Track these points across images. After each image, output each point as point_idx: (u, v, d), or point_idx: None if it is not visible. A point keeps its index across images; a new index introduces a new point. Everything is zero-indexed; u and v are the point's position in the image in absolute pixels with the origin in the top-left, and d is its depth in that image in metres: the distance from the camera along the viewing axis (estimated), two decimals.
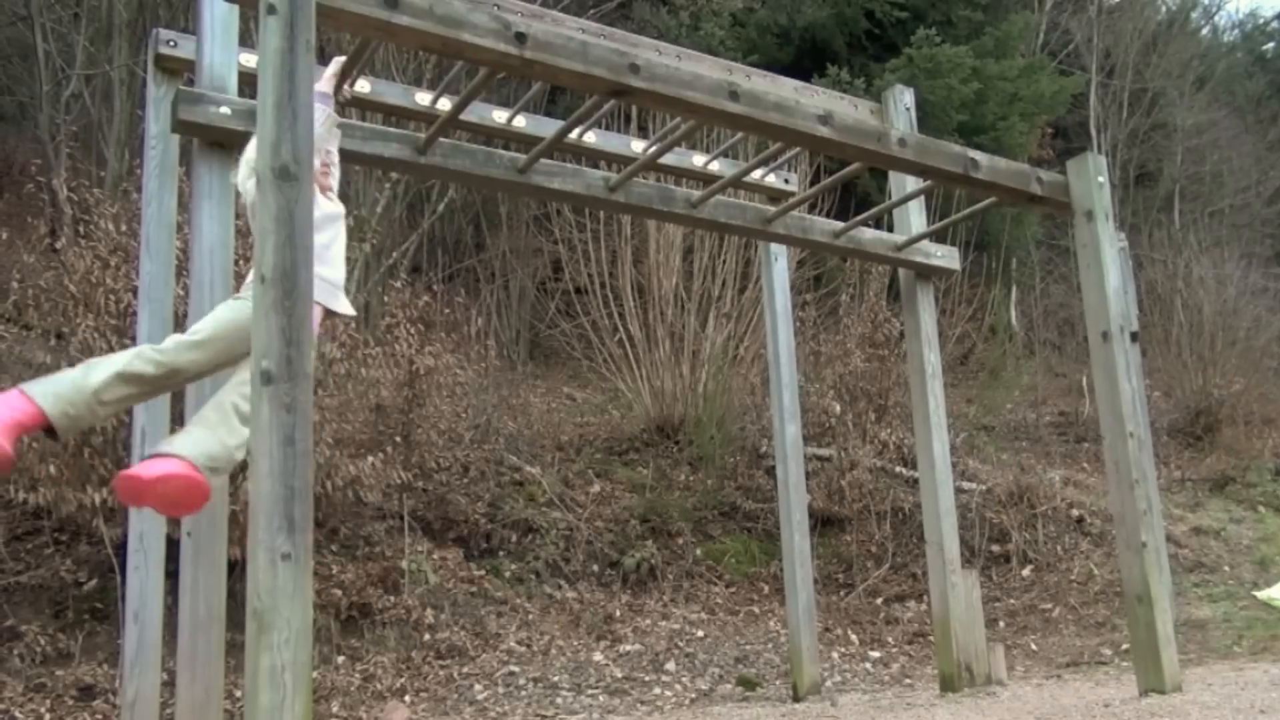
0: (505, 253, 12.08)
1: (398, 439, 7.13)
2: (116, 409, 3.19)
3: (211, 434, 3.03)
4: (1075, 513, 9.03)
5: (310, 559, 2.66)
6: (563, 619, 7.09)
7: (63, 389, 2.95)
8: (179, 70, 4.41)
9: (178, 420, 4.29)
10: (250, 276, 3.19)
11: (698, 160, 5.78)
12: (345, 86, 4.07)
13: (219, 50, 4.14)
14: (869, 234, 5.69)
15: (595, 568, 7.69)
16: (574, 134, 4.86)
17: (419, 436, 7.42)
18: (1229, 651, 6.91)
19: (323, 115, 3.46)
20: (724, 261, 9.70)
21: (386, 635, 6.34)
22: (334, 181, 3.75)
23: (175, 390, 3.46)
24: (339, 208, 3.71)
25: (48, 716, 5.12)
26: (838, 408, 9.04)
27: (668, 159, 5.34)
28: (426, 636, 6.42)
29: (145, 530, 4.00)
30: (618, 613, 7.26)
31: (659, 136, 5.41)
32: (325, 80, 3.67)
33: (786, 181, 6.18)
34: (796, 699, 5.72)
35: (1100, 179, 4.89)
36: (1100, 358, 4.77)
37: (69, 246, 6.22)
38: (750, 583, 8.14)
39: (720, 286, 9.70)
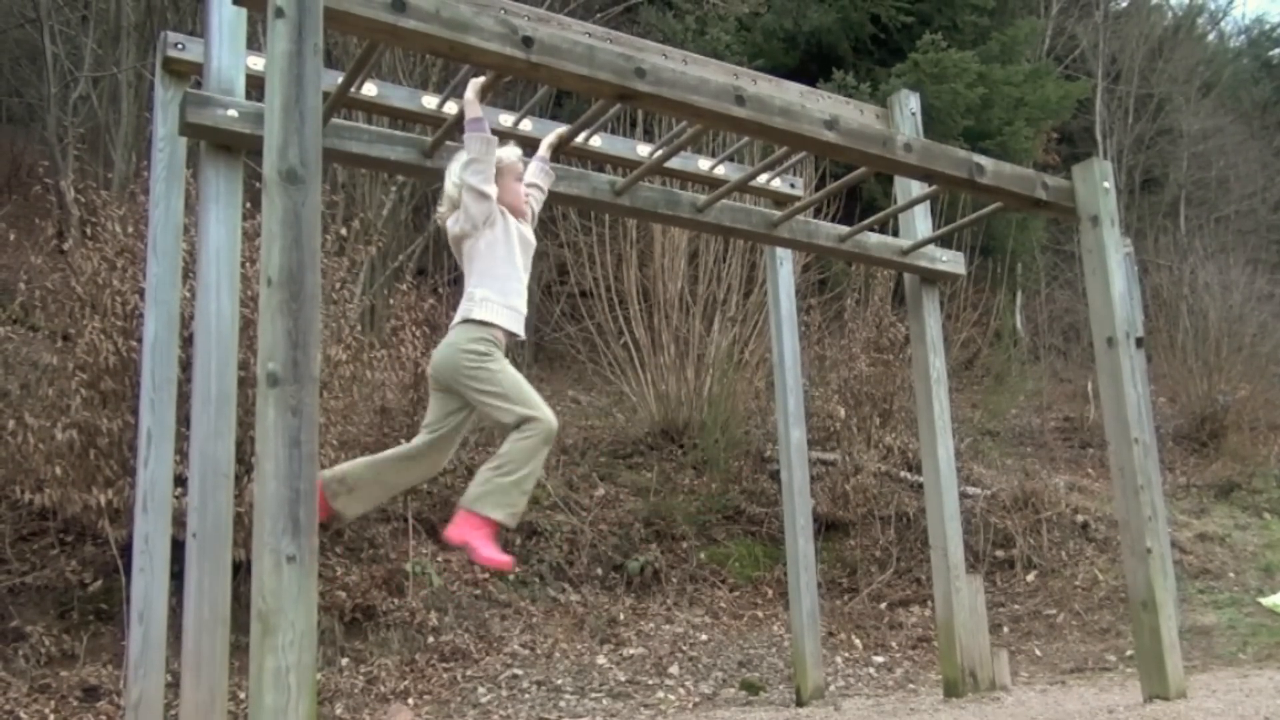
0: None
1: (402, 441, 7.13)
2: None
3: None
4: (1080, 518, 9.01)
5: (315, 561, 2.67)
6: (566, 622, 7.09)
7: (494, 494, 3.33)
8: (187, 73, 4.42)
9: (183, 422, 4.30)
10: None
11: (703, 164, 5.78)
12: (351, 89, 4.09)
13: (227, 53, 4.16)
14: (874, 238, 5.69)
15: (599, 571, 7.69)
16: (580, 138, 4.86)
17: None
18: (1234, 658, 6.89)
19: (485, 146, 3.52)
20: (729, 265, 9.70)
21: (390, 637, 6.34)
22: (531, 208, 3.83)
23: None
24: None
25: (52, 717, 5.13)
26: (842, 412, 9.03)
27: (673, 163, 5.34)
28: (430, 639, 6.43)
29: (150, 532, 4.01)
30: (621, 616, 7.26)
31: (665, 140, 5.41)
32: (473, 104, 3.64)
33: (792, 186, 6.18)
34: (800, 703, 5.71)
35: (1105, 184, 4.88)
36: (1105, 363, 4.76)
37: (76, 248, 6.24)
38: (754, 587, 8.13)
39: (725, 290, 9.70)
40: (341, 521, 3.46)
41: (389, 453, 3.66)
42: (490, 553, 3.32)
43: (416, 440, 3.60)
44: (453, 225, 3.58)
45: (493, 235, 3.55)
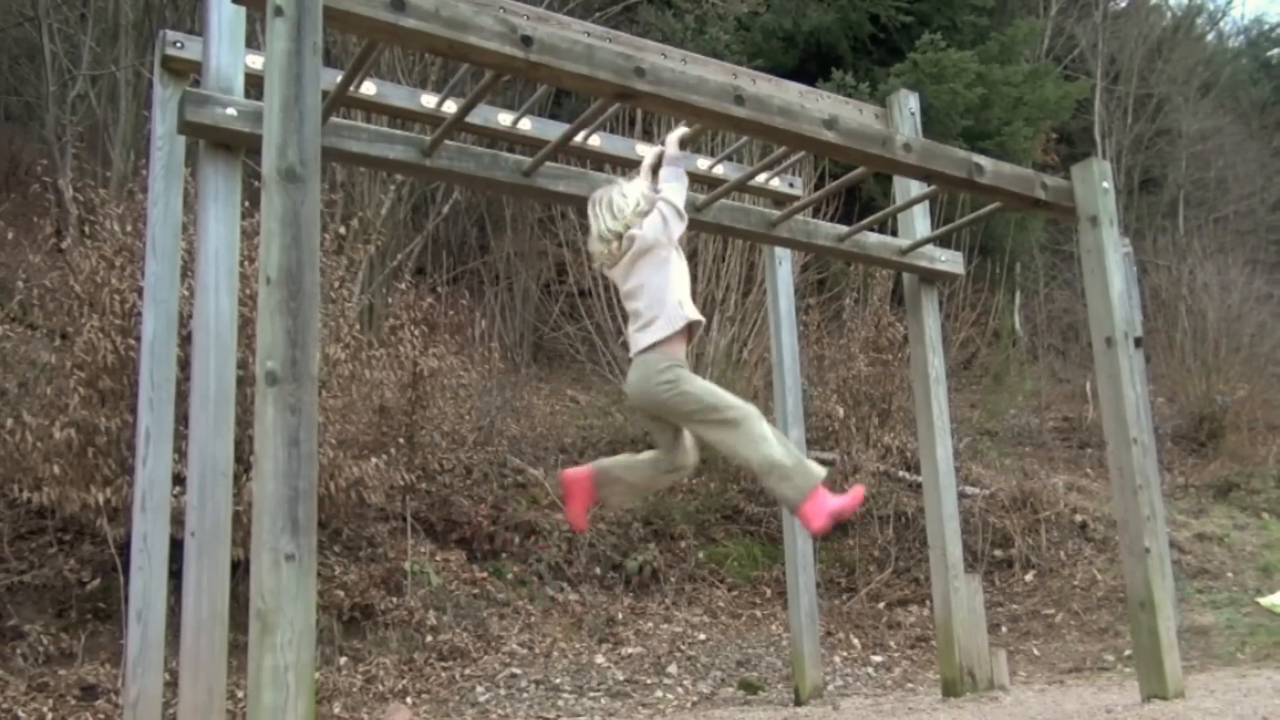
0: (510, 255, 12.09)
1: (401, 440, 7.14)
2: None
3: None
4: (1078, 518, 9.02)
5: (314, 560, 2.67)
6: (565, 621, 7.09)
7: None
8: (185, 71, 4.41)
9: (181, 421, 4.30)
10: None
11: (702, 164, 5.78)
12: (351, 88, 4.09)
13: (226, 52, 4.15)
14: (873, 238, 5.69)
15: (598, 570, 7.69)
16: (579, 137, 4.86)
17: (422, 438, 7.43)
18: (1232, 658, 6.90)
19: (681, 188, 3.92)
20: (728, 265, 9.70)
21: (389, 636, 6.34)
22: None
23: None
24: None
25: (50, 716, 5.12)
26: (841, 412, 9.04)
27: None
28: (429, 638, 6.43)
29: (149, 530, 4.01)
30: (620, 615, 7.26)
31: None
32: (674, 143, 4.01)
33: (791, 185, 6.18)
34: (798, 703, 5.71)
35: (1105, 184, 4.88)
36: (1104, 363, 4.76)
37: (74, 247, 6.24)
38: (753, 586, 8.13)
39: (724, 290, 9.70)
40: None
41: (644, 457, 3.87)
42: (838, 502, 3.46)
43: (658, 452, 3.84)
44: (648, 233, 3.77)
45: (674, 253, 3.83)
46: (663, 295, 3.71)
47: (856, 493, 3.53)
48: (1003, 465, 10.41)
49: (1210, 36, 24.67)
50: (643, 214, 3.80)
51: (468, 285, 11.47)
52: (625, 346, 9.45)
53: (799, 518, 3.52)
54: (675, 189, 3.87)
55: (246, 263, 5.22)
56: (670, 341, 3.67)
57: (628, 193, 3.88)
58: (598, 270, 3.93)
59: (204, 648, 3.71)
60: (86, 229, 6.28)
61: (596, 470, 3.86)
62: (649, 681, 6.42)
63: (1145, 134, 19.54)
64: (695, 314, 3.73)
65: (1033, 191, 4.84)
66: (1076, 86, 15.51)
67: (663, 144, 4.09)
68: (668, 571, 7.85)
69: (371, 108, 4.92)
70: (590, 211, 3.93)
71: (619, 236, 3.81)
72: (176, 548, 3.93)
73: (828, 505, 3.44)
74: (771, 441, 3.51)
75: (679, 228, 3.83)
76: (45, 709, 5.15)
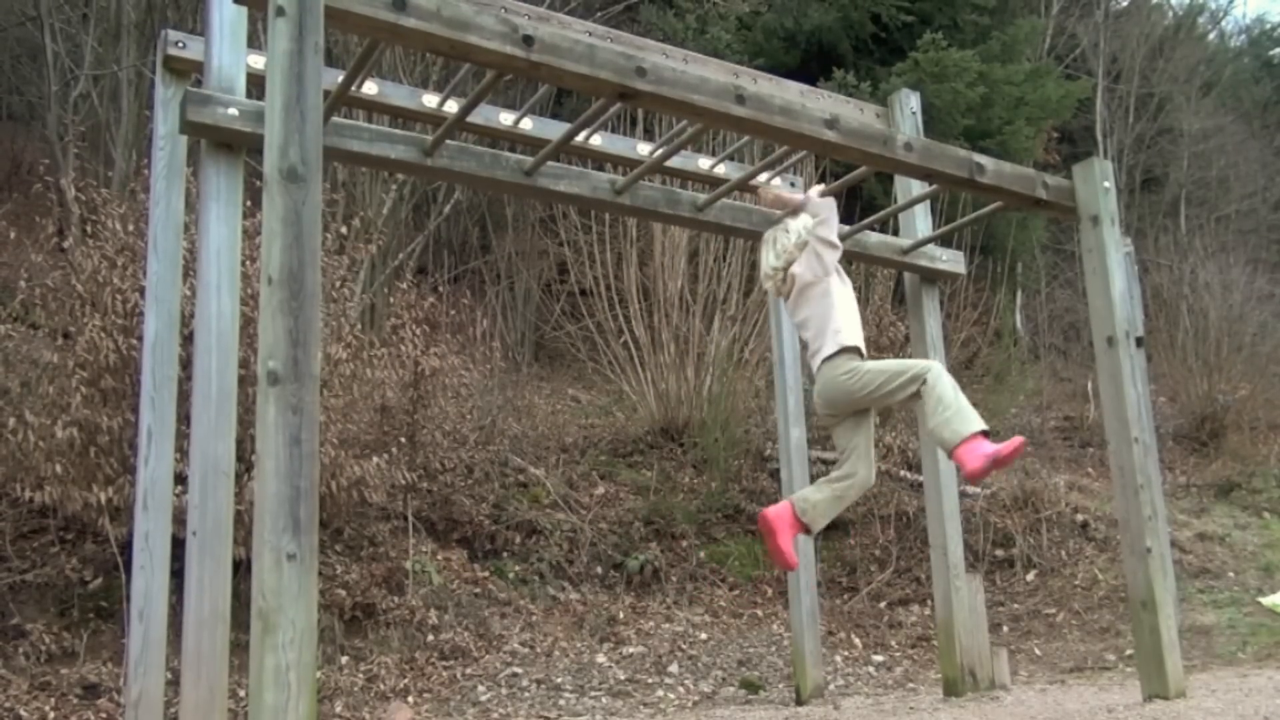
0: (511, 254, 12.10)
1: (402, 440, 7.14)
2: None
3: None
4: (1080, 518, 9.01)
5: (315, 559, 2.67)
6: (566, 620, 7.10)
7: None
8: (187, 71, 4.42)
9: (183, 420, 4.30)
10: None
11: (704, 163, 5.78)
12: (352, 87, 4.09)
13: (227, 52, 4.16)
14: (874, 237, 5.69)
15: (599, 569, 7.69)
16: (580, 136, 4.86)
17: (424, 437, 7.43)
18: (1233, 658, 6.89)
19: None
20: (729, 264, 9.70)
21: (390, 636, 6.35)
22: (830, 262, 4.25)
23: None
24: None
25: (52, 715, 5.13)
26: None
27: (674, 162, 5.34)
28: (430, 637, 6.43)
29: (151, 529, 4.01)
30: (621, 615, 7.26)
31: (665, 139, 5.40)
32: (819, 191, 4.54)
33: (792, 185, 6.18)
34: (799, 702, 5.72)
35: (1106, 183, 4.88)
36: (1105, 363, 4.77)
37: (76, 246, 6.24)
38: (754, 585, 8.13)
39: (725, 289, 9.70)
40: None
41: (834, 477, 4.12)
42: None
43: (845, 465, 4.11)
44: (804, 272, 4.13)
45: (836, 280, 4.18)
46: (824, 325, 4.09)
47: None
48: None
49: (1212, 36, 24.64)
50: (801, 246, 4.15)
51: (469, 284, 11.48)
52: (626, 346, 9.55)
53: (955, 460, 3.87)
54: (825, 223, 4.18)
55: (248, 262, 5.23)
56: (835, 358, 4.04)
57: (790, 228, 4.23)
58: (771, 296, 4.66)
59: (206, 647, 3.71)
60: (88, 229, 6.29)
61: (796, 501, 4.10)
62: (650, 681, 6.42)
63: (1147, 133, 19.52)
64: (851, 340, 4.05)
65: (1034, 191, 4.84)
66: (1078, 85, 15.48)
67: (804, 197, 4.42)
68: (669, 571, 7.86)
69: (373, 107, 4.93)
70: (760, 251, 4.35)
71: (782, 272, 4.20)
72: (178, 547, 3.93)
73: (985, 450, 3.76)
74: (957, 392, 3.91)
75: (833, 256, 4.14)
76: (47, 708, 5.16)
